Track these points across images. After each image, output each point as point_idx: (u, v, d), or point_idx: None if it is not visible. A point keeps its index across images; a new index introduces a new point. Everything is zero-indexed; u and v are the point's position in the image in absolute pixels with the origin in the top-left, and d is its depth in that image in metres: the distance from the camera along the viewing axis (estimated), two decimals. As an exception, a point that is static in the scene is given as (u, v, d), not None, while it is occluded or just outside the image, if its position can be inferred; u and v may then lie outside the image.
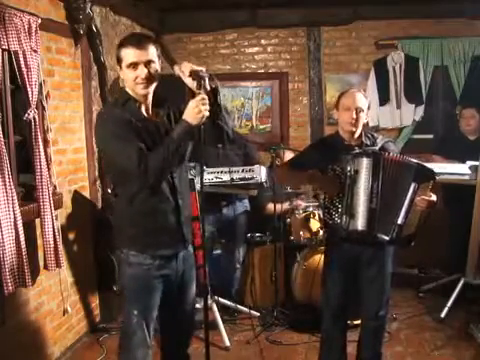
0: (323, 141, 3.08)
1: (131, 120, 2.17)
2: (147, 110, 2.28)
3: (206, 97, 2.11)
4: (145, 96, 2.26)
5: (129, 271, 2.31)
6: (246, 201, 4.16)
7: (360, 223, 2.61)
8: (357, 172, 2.61)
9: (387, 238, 2.64)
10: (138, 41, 2.18)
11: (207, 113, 2.11)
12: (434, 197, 2.63)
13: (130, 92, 2.26)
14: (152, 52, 2.19)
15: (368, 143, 2.79)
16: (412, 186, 2.62)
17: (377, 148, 2.75)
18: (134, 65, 2.16)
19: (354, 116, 2.71)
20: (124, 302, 2.38)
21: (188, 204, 2.37)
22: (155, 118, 2.29)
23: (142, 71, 2.17)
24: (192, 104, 2.11)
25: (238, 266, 4.17)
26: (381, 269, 2.77)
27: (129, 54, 2.16)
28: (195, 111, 2.10)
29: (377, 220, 2.60)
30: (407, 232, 2.66)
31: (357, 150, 2.70)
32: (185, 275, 2.41)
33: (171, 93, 2.31)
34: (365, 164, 2.61)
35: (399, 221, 2.62)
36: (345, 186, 2.64)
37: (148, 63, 2.17)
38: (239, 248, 4.17)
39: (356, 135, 2.77)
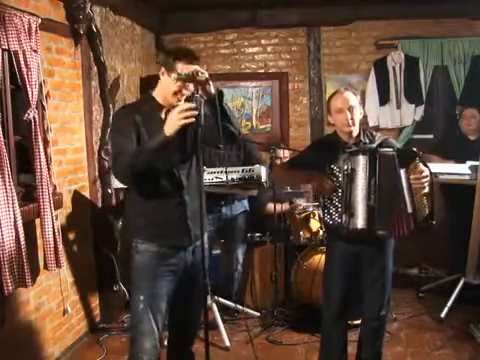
0: (321, 141, 3.08)
1: (137, 122, 2.26)
2: (167, 113, 2.33)
3: (190, 106, 2.12)
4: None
5: (137, 258, 2.37)
6: (245, 201, 4.15)
7: (360, 222, 2.61)
8: (354, 170, 2.61)
9: (386, 233, 2.63)
10: (192, 57, 2.28)
11: (184, 122, 2.11)
12: (426, 171, 2.58)
13: (156, 96, 2.36)
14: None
15: (366, 142, 2.78)
16: (402, 173, 2.59)
17: (375, 145, 2.74)
18: (196, 81, 2.21)
19: (349, 116, 2.71)
20: (131, 292, 2.41)
21: (196, 200, 2.34)
22: None
23: (188, 89, 2.28)
24: (172, 114, 2.15)
25: (238, 268, 4.17)
26: (382, 269, 2.77)
27: (182, 68, 2.23)
28: (173, 121, 2.13)
29: (377, 217, 2.60)
30: (422, 215, 2.62)
31: (353, 148, 2.70)
32: (194, 267, 2.43)
33: None
34: (361, 162, 2.61)
35: (409, 210, 2.59)
36: (343, 185, 2.64)
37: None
38: (239, 249, 4.16)
39: (354, 134, 2.77)
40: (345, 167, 2.62)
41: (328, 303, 2.87)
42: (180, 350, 2.58)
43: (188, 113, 2.10)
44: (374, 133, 2.87)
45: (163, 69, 2.32)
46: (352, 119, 2.72)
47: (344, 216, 2.63)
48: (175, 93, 2.29)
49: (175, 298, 2.41)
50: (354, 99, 2.75)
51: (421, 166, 2.59)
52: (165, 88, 2.33)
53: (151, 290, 2.33)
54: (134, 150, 2.22)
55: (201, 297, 2.45)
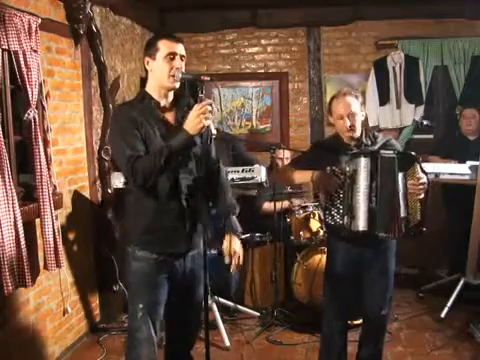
0: (322, 143, 3.07)
1: (136, 119, 2.21)
2: (165, 110, 2.32)
3: (209, 103, 2.13)
4: (166, 96, 2.31)
5: (135, 265, 2.32)
6: None
7: (361, 224, 2.61)
8: (355, 172, 2.61)
9: (387, 235, 2.63)
10: (175, 36, 2.33)
11: (208, 122, 2.12)
12: (424, 178, 2.60)
13: (150, 92, 2.31)
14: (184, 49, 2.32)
15: (368, 143, 2.77)
16: (400, 176, 2.60)
17: (377, 147, 2.74)
18: (172, 56, 2.24)
19: (348, 124, 2.70)
20: (129, 298, 2.39)
21: (196, 205, 2.33)
22: (172, 119, 2.32)
23: (179, 63, 2.25)
24: (193, 113, 2.14)
25: None
26: (384, 268, 2.77)
27: (168, 45, 2.26)
28: (196, 121, 2.12)
29: (378, 219, 2.60)
30: (414, 222, 2.64)
31: (355, 150, 2.70)
32: (193, 274, 2.40)
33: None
34: (363, 164, 2.61)
35: (402, 214, 2.61)
36: (345, 186, 2.64)
37: (182, 57, 2.28)
38: None
39: (356, 136, 2.76)
40: (347, 169, 2.62)
41: (329, 303, 2.87)
42: (180, 354, 2.56)
43: (209, 114, 2.11)
44: (376, 134, 2.86)
45: (148, 58, 2.28)
46: (353, 125, 2.70)
47: (346, 218, 2.63)
48: (168, 74, 2.23)
49: (175, 304, 2.38)
50: (356, 104, 2.72)
51: (420, 172, 2.60)
52: (156, 75, 2.27)
53: (150, 298, 2.30)
54: (153, 152, 2.17)
55: (201, 304, 2.43)
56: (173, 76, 2.23)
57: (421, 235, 2.67)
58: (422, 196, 2.61)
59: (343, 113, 2.71)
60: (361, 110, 2.76)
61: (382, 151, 2.65)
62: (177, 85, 2.28)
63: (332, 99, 2.82)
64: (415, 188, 2.59)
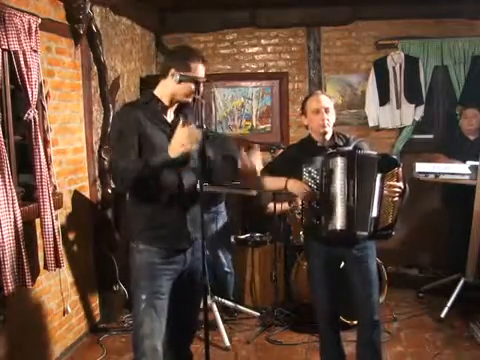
0: (296, 146, 3.04)
1: (140, 120, 2.25)
2: (169, 114, 2.38)
3: (197, 134, 2.16)
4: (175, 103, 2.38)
5: (139, 257, 2.36)
6: (224, 213, 4.15)
7: (339, 223, 2.61)
8: (332, 172, 2.62)
9: (366, 234, 2.63)
10: (204, 60, 2.35)
11: (190, 147, 2.15)
12: (401, 184, 2.62)
13: (159, 95, 2.35)
14: None
15: (341, 144, 2.80)
16: (378, 177, 2.62)
17: (351, 147, 2.76)
18: (197, 81, 2.30)
19: (325, 117, 2.74)
20: (133, 293, 2.39)
21: (196, 202, 2.39)
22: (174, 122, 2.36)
23: (197, 88, 2.31)
24: (177, 137, 2.16)
25: (228, 270, 4.17)
26: (366, 270, 2.75)
27: (200, 70, 2.31)
28: (178, 145, 2.15)
29: (355, 218, 2.60)
30: (384, 224, 2.65)
31: (331, 150, 2.71)
32: (192, 268, 2.43)
33: None
34: (340, 163, 2.62)
35: (374, 214, 2.62)
36: (321, 187, 2.64)
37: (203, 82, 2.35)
38: (223, 255, 4.16)
39: (328, 136, 2.79)
40: (323, 169, 2.63)
41: (318, 307, 2.86)
42: (179, 350, 2.57)
43: (194, 141, 2.14)
44: (347, 135, 2.89)
45: (173, 69, 2.29)
46: (328, 119, 2.75)
47: (323, 218, 2.63)
48: (186, 95, 2.31)
49: (174, 298, 2.39)
50: (329, 102, 2.80)
51: (398, 176, 2.62)
52: (174, 88, 2.31)
53: (153, 288, 2.31)
54: (138, 159, 2.21)
55: (200, 296, 2.46)
56: (189, 96, 2.31)
57: (389, 238, 2.69)
58: (396, 199, 2.62)
59: (318, 107, 2.76)
60: (333, 111, 2.80)
61: (361, 151, 2.68)
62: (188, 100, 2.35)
63: (306, 98, 2.88)
64: (391, 190, 2.60)
